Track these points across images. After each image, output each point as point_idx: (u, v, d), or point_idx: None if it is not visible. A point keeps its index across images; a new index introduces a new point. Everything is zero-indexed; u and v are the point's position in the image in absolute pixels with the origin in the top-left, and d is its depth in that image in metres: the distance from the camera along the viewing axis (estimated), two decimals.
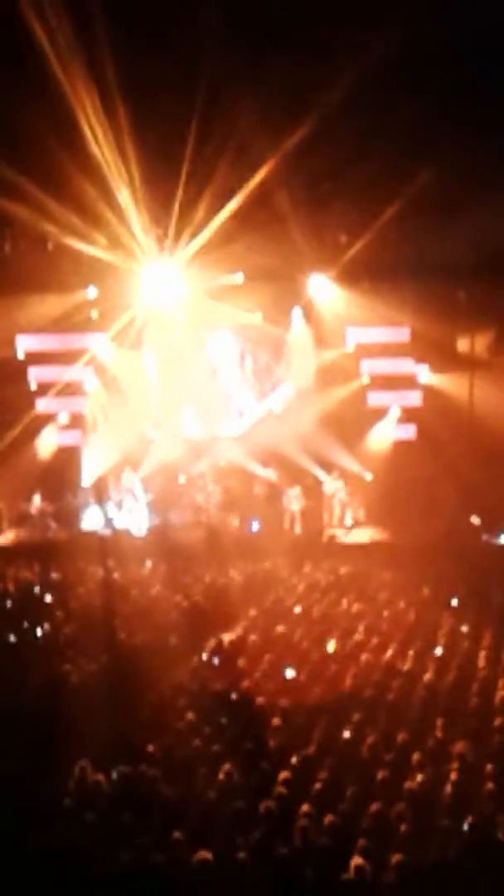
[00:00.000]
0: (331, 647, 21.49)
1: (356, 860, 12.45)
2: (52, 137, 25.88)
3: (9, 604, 25.78)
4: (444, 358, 35.06)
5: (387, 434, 35.87)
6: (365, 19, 23.21)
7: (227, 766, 15.28)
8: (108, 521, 33.39)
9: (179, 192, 29.09)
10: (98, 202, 29.52)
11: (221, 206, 29.86)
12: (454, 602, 24.59)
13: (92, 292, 34.83)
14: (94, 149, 27.25)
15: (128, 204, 29.83)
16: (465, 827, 13.54)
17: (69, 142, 26.54)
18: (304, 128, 26.32)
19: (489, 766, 15.43)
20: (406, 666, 20.19)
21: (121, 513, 34.37)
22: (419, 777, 15.01)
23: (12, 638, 22.73)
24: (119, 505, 34.53)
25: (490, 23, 23.71)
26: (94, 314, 35.17)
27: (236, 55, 23.89)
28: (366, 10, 23.22)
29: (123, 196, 29.44)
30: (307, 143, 26.71)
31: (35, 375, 35.74)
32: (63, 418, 36.12)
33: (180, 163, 27.56)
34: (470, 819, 13.61)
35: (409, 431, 35.70)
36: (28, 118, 24.98)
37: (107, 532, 32.76)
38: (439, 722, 17.21)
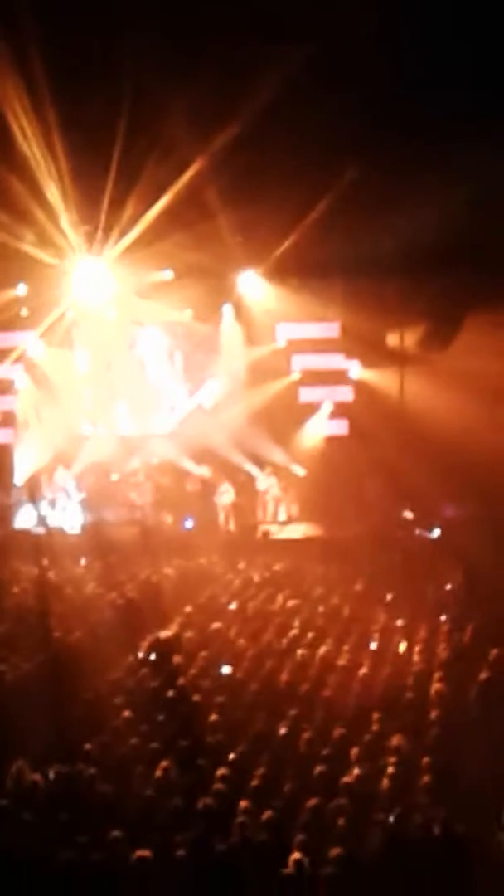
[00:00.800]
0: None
1: (295, 855, 12.49)
2: None
3: None
4: (374, 353, 35.20)
5: (319, 429, 35.96)
6: (293, 15, 23.21)
7: (164, 764, 15.24)
8: (42, 520, 33.27)
9: (109, 189, 28.91)
10: (27, 198, 29.28)
11: (151, 203, 29.75)
12: (388, 597, 24.67)
13: (21, 289, 34.72)
14: (23, 145, 27.05)
15: (57, 200, 29.64)
16: (392, 819, 13.62)
17: None
18: (233, 125, 26.23)
19: (425, 760, 15.51)
20: (342, 661, 20.23)
21: (54, 511, 34.28)
22: (356, 771, 15.05)
23: None
24: (52, 503, 34.45)
25: (412, 18, 23.78)
26: (24, 311, 35.08)
27: (164, 52, 23.83)
28: (290, 11, 23.24)
29: (52, 193, 29.25)
30: (235, 140, 26.63)
31: None
32: None
33: (109, 159, 27.40)
34: (398, 811, 13.69)
35: (341, 426, 35.79)
36: None
37: (40, 530, 32.64)
38: (375, 716, 17.27)
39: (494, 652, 19.88)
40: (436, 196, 27.83)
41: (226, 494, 34.31)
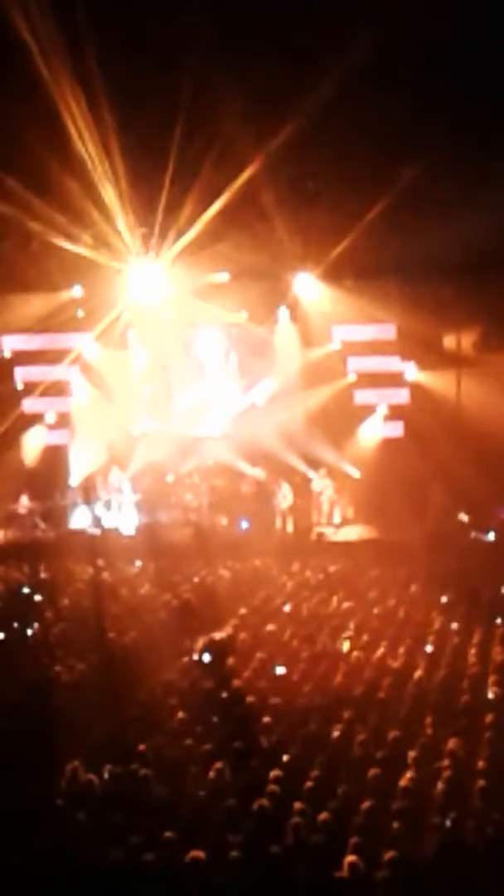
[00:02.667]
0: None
1: (349, 857, 12.44)
2: (36, 135, 25.78)
3: None
4: (430, 355, 35.09)
5: (374, 432, 35.91)
6: (351, 18, 23.16)
7: (218, 765, 15.25)
8: (97, 521, 33.33)
9: (165, 191, 28.98)
10: (83, 200, 29.43)
11: (207, 204, 29.78)
12: (444, 599, 24.56)
13: (77, 291, 34.83)
14: (80, 147, 27.15)
15: (113, 202, 29.73)
16: (448, 823, 13.54)
17: (54, 140, 26.42)
18: (290, 126, 26.23)
19: (480, 763, 15.43)
20: (396, 663, 20.17)
21: (109, 512, 34.35)
22: (411, 774, 14.98)
23: (2, 638, 22.68)
24: (107, 504, 34.51)
25: (476, 21, 23.69)
26: (80, 313, 35.20)
27: (222, 53, 23.83)
28: (352, 10, 23.19)
29: (109, 194, 29.34)
30: (293, 141, 26.64)
31: (21, 375, 35.76)
32: (50, 418, 36.12)
33: (166, 161, 27.46)
34: (454, 815, 13.61)
35: (397, 429, 35.72)
36: (12, 116, 24.91)
37: (95, 531, 32.70)
38: (429, 719, 17.20)
39: None
40: (492, 196, 27.70)
41: (285, 498, 34.25)
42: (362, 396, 35.89)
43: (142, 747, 16.12)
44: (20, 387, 35.85)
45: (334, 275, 34.11)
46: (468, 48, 24.22)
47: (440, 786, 14.65)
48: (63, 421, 36.37)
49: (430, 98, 25.56)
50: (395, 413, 35.76)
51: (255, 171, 28.23)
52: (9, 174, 27.35)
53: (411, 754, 15.74)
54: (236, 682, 19.04)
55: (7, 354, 35.78)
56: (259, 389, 36.25)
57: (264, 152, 27.58)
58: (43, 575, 28.19)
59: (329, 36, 23.79)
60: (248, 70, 24.49)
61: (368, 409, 35.96)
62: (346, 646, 21.45)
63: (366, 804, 13.95)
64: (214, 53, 23.84)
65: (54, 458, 36.14)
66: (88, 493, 34.24)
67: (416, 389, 35.56)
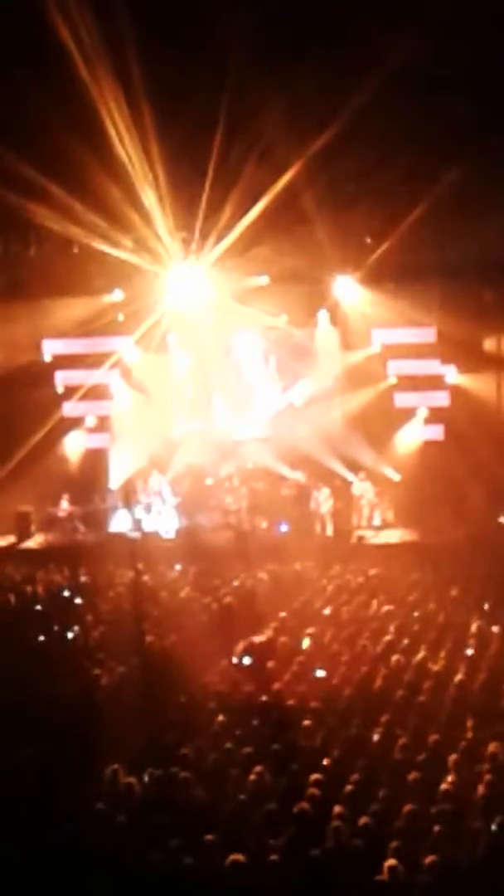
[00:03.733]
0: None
1: (390, 861, 12.40)
2: (77, 140, 25.87)
3: (38, 607, 25.81)
4: (471, 358, 35.03)
5: (414, 435, 35.86)
6: (392, 21, 23.17)
7: (258, 768, 15.22)
8: (137, 524, 33.37)
9: (205, 195, 29.09)
10: (123, 205, 29.54)
11: (247, 208, 29.86)
12: (485, 603, 24.46)
13: (118, 295, 34.94)
14: (120, 151, 27.26)
15: (153, 206, 29.86)
16: (494, 827, 13.49)
17: (94, 144, 26.54)
18: (330, 130, 26.27)
19: None
20: (437, 667, 20.10)
21: (149, 515, 34.41)
22: (451, 778, 14.93)
23: (43, 641, 22.75)
24: (147, 507, 34.58)
25: None
26: (120, 317, 35.30)
27: (262, 56, 23.86)
28: (393, 12, 23.19)
29: (149, 198, 29.46)
30: (332, 144, 26.67)
31: (61, 379, 35.89)
32: (90, 421, 36.24)
33: (206, 165, 27.57)
34: (500, 819, 13.54)
35: (437, 432, 35.65)
36: (53, 120, 24.97)
37: (135, 535, 32.68)
38: (470, 722, 17.14)
39: None
40: None
41: (325, 501, 34.23)
42: (402, 399, 35.83)
43: (182, 751, 16.12)
44: (61, 390, 35.94)
45: (374, 278, 34.09)
46: None
47: (481, 789, 14.60)
48: (103, 424, 36.47)
49: (471, 99, 25.52)
50: (436, 416, 35.69)
51: (295, 174, 28.25)
52: (49, 179, 27.46)
53: (452, 758, 15.67)
54: (276, 686, 19.03)
55: (48, 358, 35.89)
56: (297, 390, 36.21)
57: (304, 155, 27.60)
58: (83, 578, 28.26)
59: (370, 37, 23.81)
60: (289, 72, 24.53)
61: (409, 412, 35.90)
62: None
63: (406, 808, 13.91)
64: (254, 56, 23.89)
65: (94, 461, 36.24)
66: (128, 496, 34.29)
67: (456, 392, 35.48)
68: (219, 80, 24.72)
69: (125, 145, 27.24)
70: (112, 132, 26.77)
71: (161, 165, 28.11)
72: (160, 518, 34.48)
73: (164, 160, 27.94)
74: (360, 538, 33.73)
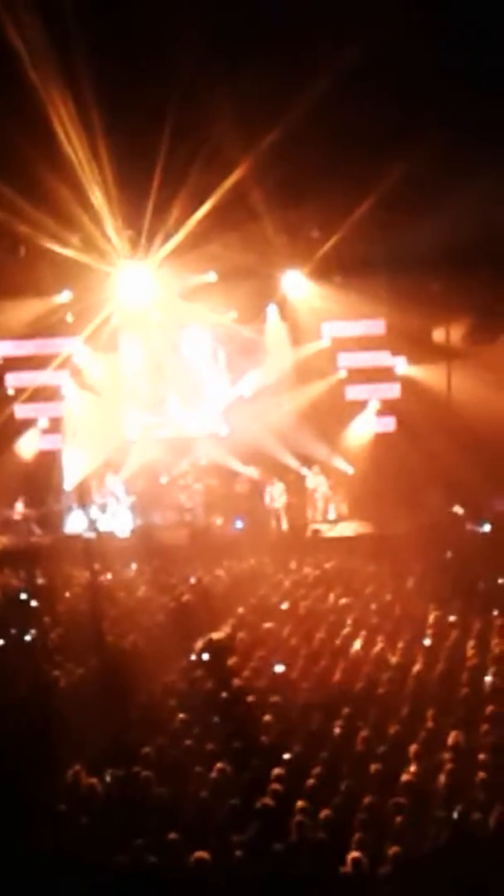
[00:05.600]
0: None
1: (353, 854, 12.47)
2: (24, 138, 25.75)
3: None
4: (420, 349, 35.13)
5: (367, 427, 35.94)
6: (336, 20, 23.26)
7: (219, 765, 15.26)
8: (92, 524, 33.31)
9: (153, 193, 29.03)
10: (71, 204, 29.46)
11: (195, 206, 29.85)
12: (441, 592, 24.57)
13: (66, 296, 34.84)
14: (67, 149, 27.16)
15: (101, 205, 29.78)
16: (455, 816, 13.56)
17: (42, 143, 26.42)
18: (277, 127, 26.31)
19: (482, 756, 15.46)
20: (395, 658, 20.22)
21: (104, 515, 34.35)
22: (413, 768, 15.01)
23: (0, 644, 22.69)
24: (102, 507, 34.53)
25: (456, 16, 23.80)
26: (69, 317, 35.21)
27: (209, 56, 23.89)
28: (337, 15, 23.28)
29: (97, 197, 29.38)
30: (279, 142, 26.71)
31: (12, 381, 35.77)
32: (43, 423, 36.12)
33: (154, 163, 27.51)
34: (460, 808, 13.62)
35: (389, 424, 35.75)
36: None
37: (91, 535, 32.65)
38: (430, 713, 17.23)
39: None
40: (479, 190, 27.79)
41: (279, 495, 34.27)
42: (353, 392, 35.91)
43: (143, 749, 16.11)
44: (11, 392, 35.84)
45: (322, 272, 34.16)
46: (454, 39, 24.31)
47: (442, 779, 14.68)
48: (55, 426, 36.34)
49: (414, 94, 25.63)
50: (387, 408, 35.78)
51: (242, 171, 28.25)
52: None
53: (413, 748, 15.77)
54: (236, 682, 19.06)
55: None
56: (245, 382, 36.18)
57: (251, 153, 27.61)
58: (40, 580, 28.17)
59: (314, 37, 23.89)
60: (235, 72, 24.55)
61: (360, 405, 35.97)
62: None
63: (368, 800, 13.98)
64: (201, 56, 23.91)
65: (48, 462, 36.10)
66: (83, 496, 34.23)
67: (406, 384, 35.59)
68: (165, 80, 24.70)
69: (72, 144, 27.15)
70: (59, 130, 26.67)
71: (109, 164, 28.03)
72: (115, 518, 34.43)
73: (111, 159, 27.86)
74: (316, 532, 33.79)
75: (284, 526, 34.15)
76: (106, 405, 36.08)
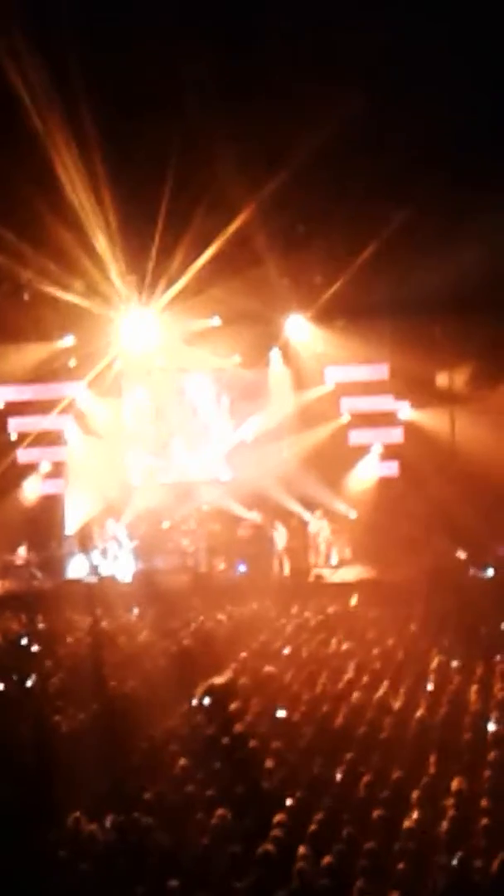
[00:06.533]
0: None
1: None
2: (27, 184, 25.93)
3: None
4: (424, 394, 35.12)
5: (370, 471, 35.90)
6: (340, 68, 23.43)
7: (221, 811, 15.14)
8: (94, 569, 33.30)
9: (156, 238, 29.16)
10: (75, 249, 29.60)
11: (198, 251, 29.98)
12: (443, 638, 24.48)
13: (69, 340, 34.92)
14: (71, 195, 27.32)
15: (105, 251, 29.90)
16: (455, 862, 13.45)
17: (45, 188, 26.59)
18: (280, 173, 26.47)
19: (484, 802, 15.35)
20: (398, 703, 20.11)
21: (106, 560, 34.30)
22: (415, 814, 14.90)
23: (1, 689, 22.59)
24: (104, 552, 34.48)
25: (462, 71, 23.98)
26: (72, 362, 35.30)
27: (212, 102, 24.04)
28: (341, 60, 23.46)
29: (100, 243, 29.51)
30: (283, 187, 26.87)
31: (15, 426, 35.81)
32: (45, 467, 36.14)
33: (157, 208, 27.64)
34: (461, 854, 13.51)
35: (392, 468, 35.72)
36: (3, 165, 25.02)
37: (93, 580, 32.66)
38: (433, 758, 17.12)
39: None
40: (482, 235, 27.89)
41: (281, 540, 34.18)
42: (357, 436, 35.91)
43: (144, 795, 16.02)
44: (14, 437, 35.89)
45: (326, 316, 34.23)
46: (458, 90, 24.46)
47: (444, 825, 14.57)
48: (58, 470, 36.40)
49: (418, 142, 25.77)
50: (390, 452, 35.76)
51: (246, 216, 28.37)
52: (0, 223, 27.47)
53: (415, 794, 15.66)
54: (237, 727, 18.93)
55: (0, 405, 35.83)
56: (248, 426, 36.19)
57: (255, 198, 27.74)
58: (41, 625, 28.10)
59: (321, 82, 24.04)
60: (238, 118, 24.69)
61: (363, 449, 35.96)
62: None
63: (370, 846, 13.87)
64: (205, 102, 24.06)
65: (50, 507, 36.15)
66: (85, 541, 34.23)
67: (410, 428, 35.57)
68: (168, 126, 24.85)
69: (76, 189, 27.29)
70: (63, 176, 26.83)
71: (112, 209, 28.18)
72: (117, 562, 34.36)
73: (114, 204, 28.02)
74: (318, 576, 33.69)
75: (287, 570, 34.06)
76: (109, 450, 36.11)
